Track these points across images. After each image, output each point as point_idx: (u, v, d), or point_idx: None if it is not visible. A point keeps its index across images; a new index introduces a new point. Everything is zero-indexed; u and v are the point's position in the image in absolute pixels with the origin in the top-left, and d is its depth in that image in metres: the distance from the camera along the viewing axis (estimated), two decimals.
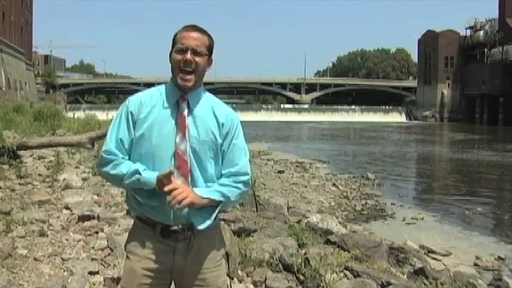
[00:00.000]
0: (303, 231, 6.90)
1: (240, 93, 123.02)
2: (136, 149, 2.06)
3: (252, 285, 4.53)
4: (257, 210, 8.12)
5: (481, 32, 76.74)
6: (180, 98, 2.09)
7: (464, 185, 17.55)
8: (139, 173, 1.98)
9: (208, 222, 2.07)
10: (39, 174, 7.94)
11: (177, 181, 1.98)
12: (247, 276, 4.71)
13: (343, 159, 25.65)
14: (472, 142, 38.41)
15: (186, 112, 2.07)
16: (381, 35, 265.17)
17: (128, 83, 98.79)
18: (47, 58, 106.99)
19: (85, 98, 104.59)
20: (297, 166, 20.90)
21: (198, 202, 1.99)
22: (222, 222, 5.99)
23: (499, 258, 8.68)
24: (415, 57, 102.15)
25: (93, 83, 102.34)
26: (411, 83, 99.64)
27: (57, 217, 5.56)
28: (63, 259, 4.27)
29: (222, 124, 2.11)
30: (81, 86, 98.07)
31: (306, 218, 8.66)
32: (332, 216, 9.75)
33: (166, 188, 1.94)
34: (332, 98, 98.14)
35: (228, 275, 2.26)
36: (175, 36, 2.10)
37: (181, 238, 2.05)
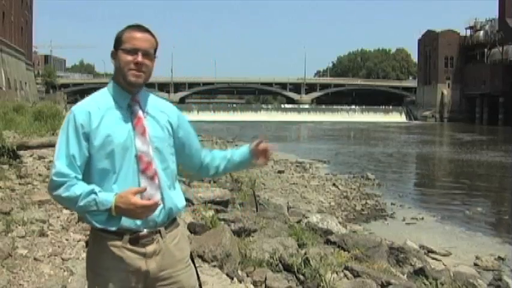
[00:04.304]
0: (303, 231, 6.92)
1: (240, 93, 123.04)
2: (95, 162, 1.96)
3: (252, 285, 4.53)
4: (257, 210, 8.13)
5: (481, 32, 76.71)
6: (131, 100, 2.04)
7: (464, 185, 17.56)
8: (95, 193, 1.89)
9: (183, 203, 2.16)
10: (39, 174, 7.92)
11: (143, 202, 1.92)
12: (247, 276, 4.71)
13: (343, 159, 25.66)
14: (472, 142, 38.40)
15: (141, 113, 2.04)
16: (381, 35, 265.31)
17: None
18: (47, 58, 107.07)
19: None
20: (297, 166, 20.90)
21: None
22: (222, 222, 6.01)
23: (499, 258, 8.68)
24: (415, 57, 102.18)
25: (93, 83, 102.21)
26: (411, 83, 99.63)
27: (57, 217, 5.55)
28: (63, 259, 4.27)
29: (171, 119, 2.12)
30: (81, 86, 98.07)
31: (306, 218, 8.67)
32: (332, 216, 9.76)
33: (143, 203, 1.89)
34: (332, 98, 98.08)
35: (197, 272, 2.25)
36: (121, 35, 2.04)
37: (150, 243, 2.01)
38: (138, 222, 1.97)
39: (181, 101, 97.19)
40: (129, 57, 2.00)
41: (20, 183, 7.07)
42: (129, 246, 1.98)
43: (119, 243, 1.97)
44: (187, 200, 7.18)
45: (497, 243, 9.97)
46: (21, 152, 8.78)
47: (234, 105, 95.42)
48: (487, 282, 7.09)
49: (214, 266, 4.56)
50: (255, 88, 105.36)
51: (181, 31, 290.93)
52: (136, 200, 1.87)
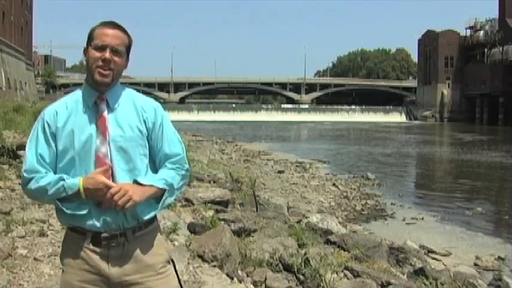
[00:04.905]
0: (303, 231, 6.92)
1: (240, 93, 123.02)
2: (60, 161, 1.96)
3: (252, 285, 4.53)
4: (257, 210, 8.12)
5: (481, 32, 76.69)
6: (98, 98, 1.98)
7: (464, 185, 17.55)
8: (63, 179, 1.90)
9: (152, 213, 2.01)
10: None
11: (110, 182, 1.90)
12: (247, 276, 4.71)
13: (343, 159, 25.65)
14: (472, 142, 38.41)
15: (106, 112, 1.98)
16: (381, 35, 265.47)
17: (127, 83, 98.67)
18: (47, 58, 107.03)
19: None
20: (297, 166, 20.90)
21: (141, 199, 1.91)
22: (222, 222, 6.00)
23: (499, 258, 8.68)
24: (415, 57, 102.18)
25: None
26: (411, 83, 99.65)
27: None
28: None
29: (146, 117, 2.03)
30: (81, 86, 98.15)
31: (306, 218, 8.67)
32: (332, 216, 9.76)
33: (109, 193, 1.86)
34: (332, 98, 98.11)
35: (179, 281, 2.14)
36: (92, 31, 1.99)
37: (114, 245, 1.95)
38: (98, 224, 1.93)
39: (181, 101, 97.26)
40: (98, 54, 1.95)
41: (19, 183, 7.07)
42: (91, 247, 1.95)
43: (82, 242, 1.97)
44: (187, 200, 7.20)
45: (497, 243, 9.97)
46: (21, 152, 8.77)
47: (234, 105, 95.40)
48: (487, 282, 7.09)
49: (214, 266, 4.56)
50: (255, 88, 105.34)
51: (181, 31, 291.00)
52: (105, 179, 1.88)
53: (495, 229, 11.50)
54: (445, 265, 8.01)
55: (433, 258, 8.44)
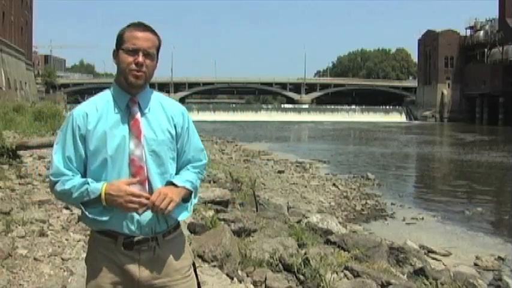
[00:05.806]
0: (303, 231, 6.92)
1: (240, 93, 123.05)
2: (90, 163, 1.95)
3: (252, 285, 4.53)
4: (257, 210, 8.12)
5: (481, 32, 76.70)
6: (130, 101, 1.99)
7: (464, 185, 17.55)
8: (88, 183, 1.90)
9: (186, 214, 2.05)
10: (39, 174, 7.92)
11: (134, 189, 1.90)
12: (247, 276, 4.71)
13: (343, 159, 25.65)
14: (473, 142, 38.40)
15: (139, 115, 1.98)
16: (381, 35, 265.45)
17: None
18: (47, 58, 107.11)
19: (85, 98, 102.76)
20: (297, 166, 20.90)
21: (179, 200, 1.95)
22: (222, 222, 6.00)
23: (499, 258, 8.68)
24: (415, 57, 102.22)
25: (93, 83, 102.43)
26: (411, 83, 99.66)
27: (57, 217, 5.55)
28: (63, 259, 4.27)
29: (176, 122, 2.05)
30: (81, 86, 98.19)
31: (306, 218, 8.67)
32: (332, 216, 9.76)
33: (150, 199, 1.87)
34: (332, 98, 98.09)
35: (198, 284, 2.18)
36: (122, 34, 1.99)
37: (145, 249, 1.97)
38: (133, 227, 1.94)
39: (181, 101, 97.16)
40: (130, 58, 1.95)
41: (20, 183, 7.07)
42: (122, 250, 1.95)
43: (113, 246, 1.96)
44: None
45: (497, 243, 9.97)
46: (21, 152, 8.78)
47: (234, 105, 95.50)
48: (487, 282, 7.09)
49: (214, 266, 4.56)
50: (255, 88, 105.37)
51: (181, 31, 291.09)
52: (128, 187, 1.88)
53: (495, 229, 11.49)
54: (445, 265, 8.01)
55: (433, 258, 8.44)
